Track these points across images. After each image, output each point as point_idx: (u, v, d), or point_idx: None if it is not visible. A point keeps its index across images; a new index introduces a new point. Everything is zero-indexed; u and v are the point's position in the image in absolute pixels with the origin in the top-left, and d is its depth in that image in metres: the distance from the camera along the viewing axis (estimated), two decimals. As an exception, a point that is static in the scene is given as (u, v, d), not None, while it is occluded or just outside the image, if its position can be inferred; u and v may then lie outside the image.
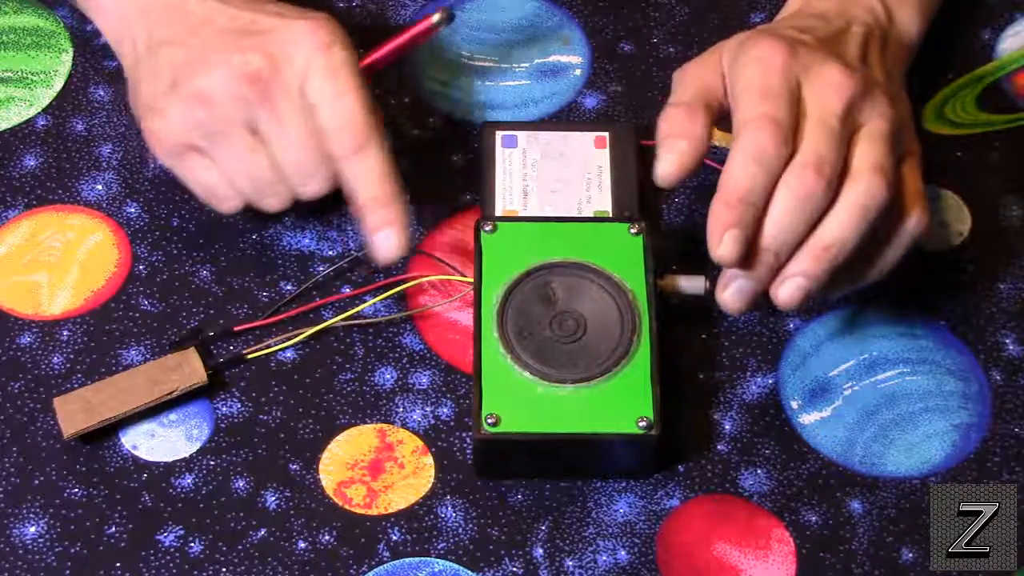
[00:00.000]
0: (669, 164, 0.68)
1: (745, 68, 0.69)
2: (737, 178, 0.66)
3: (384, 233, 0.71)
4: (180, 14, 0.73)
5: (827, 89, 0.68)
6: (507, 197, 0.76)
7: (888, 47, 0.74)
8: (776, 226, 0.66)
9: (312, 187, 0.71)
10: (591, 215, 0.76)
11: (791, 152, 0.66)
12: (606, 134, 0.79)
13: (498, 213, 0.76)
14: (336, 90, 0.70)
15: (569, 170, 0.77)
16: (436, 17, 0.74)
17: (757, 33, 0.71)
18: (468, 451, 0.71)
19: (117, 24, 0.76)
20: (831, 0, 0.75)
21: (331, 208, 0.77)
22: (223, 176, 0.72)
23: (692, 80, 0.71)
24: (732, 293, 0.68)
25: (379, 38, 0.76)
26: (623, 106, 0.83)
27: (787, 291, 0.67)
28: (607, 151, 0.78)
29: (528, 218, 0.75)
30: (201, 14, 0.72)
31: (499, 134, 0.79)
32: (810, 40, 0.70)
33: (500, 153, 0.78)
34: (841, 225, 0.66)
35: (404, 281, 0.76)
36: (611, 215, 0.76)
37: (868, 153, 0.67)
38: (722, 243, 0.66)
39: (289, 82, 0.70)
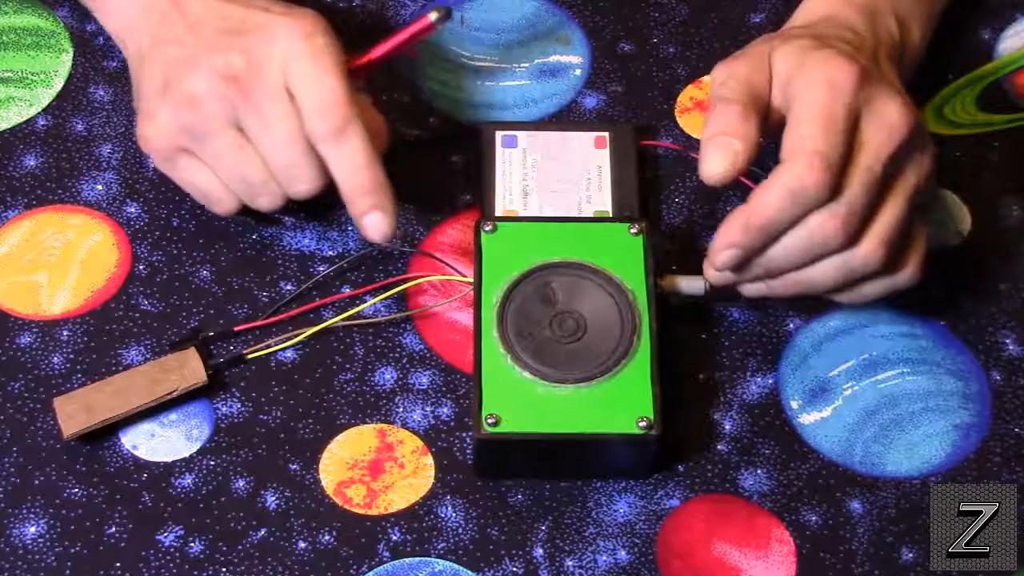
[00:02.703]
0: (720, 163, 0.67)
1: (812, 89, 0.67)
2: (767, 206, 0.66)
3: (370, 218, 0.71)
4: (179, 14, 0.73)
5: (884, 130, 0.67)
6: (507, 197, 0.76)
7: (902, 70, 0.74)
8: (783, 254, 0.67)
9: (301, 187, 0.72)
10: (591, 215, 0.76)
11: (831, 197, 0.66)
12: (606, 134, 0.79)
13: (498, 213, 0.76)
14: (316, 73, 0.70)
15: (569, 170, 0.77)
16: (433, 16, 0.74)
17: (821, 48, 0.69)
18: (468, 451, 0.71)
19: (121, 24, 0.77)
20: (858, 15, 0.74)
21: (331, 207, 0.77)
22: (215, 177, 0.73)
23: (742, 80, 0.69)
24: (716, 276, 0.71)
25: (379, 37, 0.76)
26: (623, 106, 0.83)
27: (747, 290, 0.71)
28: (607, 151, 0.78)
29: (528, 218, 0.75)
30: (197, 13, 0.73)
31: (499, 134, 0.79)
32: (870, 65, 0.69)
33: (500, 153, 0.78)
34: (824, 273, 0.68)
35: (404, 281, 0.76)
36: (611, 215, 0.76)
37: (888, 218, 0.67)
38: (721, 255, 0.68)
39: (269, 80, 0.70)
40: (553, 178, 0.77)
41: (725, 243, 0.67)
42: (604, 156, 0.78)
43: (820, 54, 0.68)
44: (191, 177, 0.74)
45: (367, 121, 0.71)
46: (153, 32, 0.74)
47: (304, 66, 0.70)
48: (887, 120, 0.67)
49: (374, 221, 0.71)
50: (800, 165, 0.65)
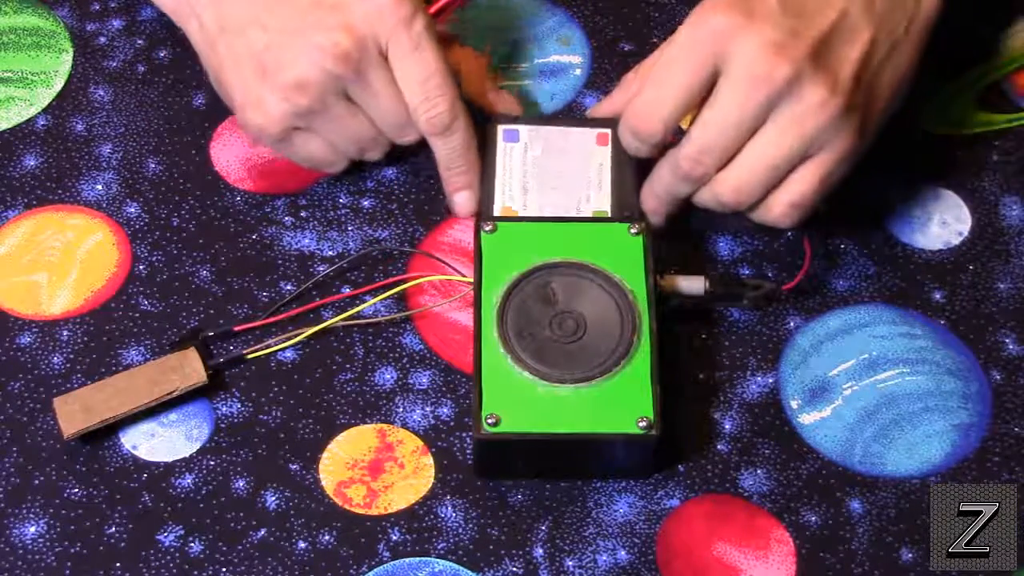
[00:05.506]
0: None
1: (736, 84, 0.69)
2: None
3: (461, 195, 0.78)
4: None
5: (803, 118, 0.69)
6: (506, 193, 0.76)
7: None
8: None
9: (411, 136, 0.76)
10: (591, 215, 0.76)
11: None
12: (608, 131, 0.79)
13: (497, 208, 0.76)
14: (420, 71, 0.73)
15: (569, 167, 0.77)
16: None
17: (757, 39, 0.69)
18: (468, 451, 0.71)
19: (175, 4, 0.78)
20: None
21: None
22: (328, 144, 0.76)
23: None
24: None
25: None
26: (623, 106, 0.83)
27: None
28: (609, 148, 0.78)
29: (528, 218, 0.75)
30: None
31: (501, 128, 0.78)
32: (803, 49, 0.69)
33: (501, 147, 0.78)
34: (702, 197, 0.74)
35: (404, 281, 0.76)
36: (611, 215, 0.76)
37: (798, 186, 0.71)
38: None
39: (375, 54, 0.72)
40: (553, 175, 0.77)
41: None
42: (605, 154, 0.78)
43: (753, 47, 0.69)
44: (303, 150, 0.76)
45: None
46: (218, 13, 0.74)
47: (409, 64, 0.73)
48: (809, 106, 0.69)
49: (463, 198, 0.78)
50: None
